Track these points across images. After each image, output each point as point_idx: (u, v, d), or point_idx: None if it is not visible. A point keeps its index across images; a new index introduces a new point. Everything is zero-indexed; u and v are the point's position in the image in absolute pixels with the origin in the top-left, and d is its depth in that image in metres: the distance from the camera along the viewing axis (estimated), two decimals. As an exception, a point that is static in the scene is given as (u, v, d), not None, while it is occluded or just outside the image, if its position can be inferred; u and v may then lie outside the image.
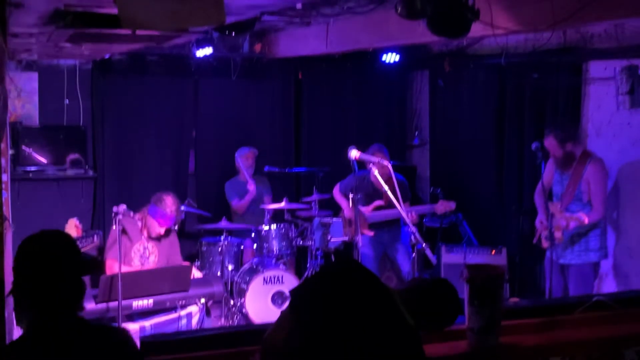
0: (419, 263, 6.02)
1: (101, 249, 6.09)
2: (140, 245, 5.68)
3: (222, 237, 6.58)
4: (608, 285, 6.40)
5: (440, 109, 8.60)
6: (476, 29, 4.14)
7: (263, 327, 2.66)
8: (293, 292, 2.38)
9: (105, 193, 7.47)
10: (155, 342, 3.06)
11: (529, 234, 6.16)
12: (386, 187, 5.27)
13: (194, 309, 5.29)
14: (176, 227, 6.36)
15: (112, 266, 5.34)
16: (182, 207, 6.75)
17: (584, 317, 3.43)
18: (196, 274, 5.80)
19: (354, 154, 5.39)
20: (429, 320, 2.53)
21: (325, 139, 8.35)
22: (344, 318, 2.24)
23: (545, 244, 5.75)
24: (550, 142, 5.58)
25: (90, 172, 7.40)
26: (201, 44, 6.45)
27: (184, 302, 5.23)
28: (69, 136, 7.36)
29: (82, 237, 5.86)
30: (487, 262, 6.55)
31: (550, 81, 6.92)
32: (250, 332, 3.12)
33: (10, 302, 4.03)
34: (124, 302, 4.81)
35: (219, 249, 6.60)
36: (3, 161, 3.83)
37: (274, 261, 6.74)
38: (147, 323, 5.01)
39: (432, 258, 4.76)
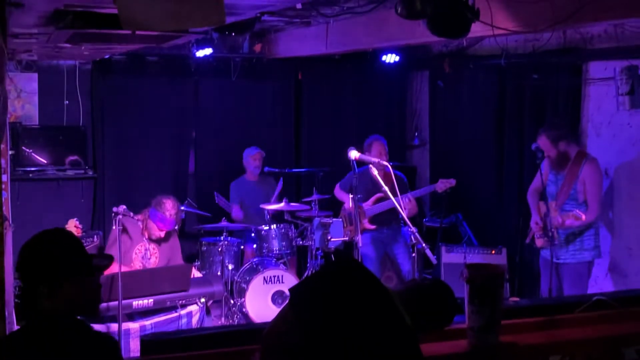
0: (419, 263, 6.03)
1: (101, 249, 6.10)
2: (141, 247, 5.68)
3: (222, 237, 6.59)
4: (608, 285, 6.40)
5: (440, 110, 8.60)
6: (476, 30, 4.14)
7: (263, 326, 2.67)
8: (293, 290, 2.39)
9: (105, 193, 7.47)
10: (155, 341, 3.06)
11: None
12: (386, 188, 5.28)
13: (194, 308, 5.30)
14: (177, 228, 6.37)
15: (113, 266, 5.33)
16: (182, 207, 6.76)
17: (584, 316, 3.43)
18: (196, 274, 5.81)
19: (353, 154, 5.40)
20: (426, 321, 2.54)
21: (325, 139, 8.36)
22: (342, 316, 2.25)
23: (538, 243, 5.76)
24: (543, 142, 5.58)
25: (90, 173, 7.41)
26: (201, 45, 6.45)
27: (184, 301, 5.23)
28: (68, 137, 7.37)
29: (82, 237, 5.87)
30: (487, 262, 6.55)
31: (550, 82, 6.92)
32: (250, 331, 3.12)
33: (10, 301, 4.03)
34: (125, 302, 4.82)
35: (219, 248, 6.60)
36: (3, 162, 3.84)
37: (274, 261, 6.74)
38: (148, 322, 5.01)
39: (432, 258, 4.76)
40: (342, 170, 6.79)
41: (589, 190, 5.51)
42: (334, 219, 6.84)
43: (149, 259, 5.69)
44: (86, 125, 7.42)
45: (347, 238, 6.64)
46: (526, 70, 7.05)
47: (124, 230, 5.59)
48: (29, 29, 4.80)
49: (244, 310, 6.42)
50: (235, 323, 6.40)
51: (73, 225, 5.95)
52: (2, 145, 3.87)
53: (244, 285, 6.49)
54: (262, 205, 7.05)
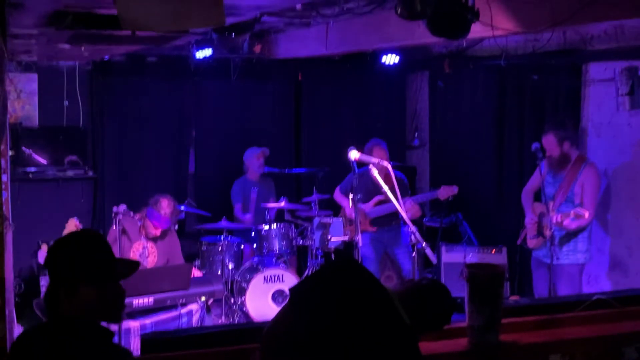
0: (419, 262, 6.03)
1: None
2: (139, 245, 5.69)
3: (222, 237, 6.59)
4: (608, 284, 6.41)
5: (440, 110, 8.60)
6: (476, 30, 4.15)
7: (263, 325, 2.67)
8: (293, 289, 2.40)
9: (105, 193, 7.48)
10: (155, 340, 3.07)
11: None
12: (386, 188, 5.28)
13: (194, 307, 5.31)
14: (176, 227, 6.38)
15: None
16: (182, 207, 6.77)
17: (584, 315, 3.44)
18: (196, 273, 5.81)
19: (353, 154, 5.40)
20: (424, 321, 2.55)
21: (325, 139, 8.36)
22: (342, 316, 2.25)
23: (531, 244, 5.77)
24: (549, 140, 5.59)
25: (90, 173, 7.41)
26: (201, 45, 6.45)
27: (184, 300, 5.24)
28: (68, 137, 7.37)
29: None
30: (487, 261, 6.56)
31: (550, 82, 6.93)
32: (250, 330, 3.13)
33: (10, 301, 4.04)
34: (125, 300, 4.81)
35: (219, 248, 6.61)
36: (3, 162, 3.84)
37: (274, 260, 6.75)
38: (148, 321, 5.02)
39: (433, 257, 4.76)
40: (342, 170, 6.79)
41: (586, 194, 5.53)
42: (334, 219, 6.84)
43: (147, 257, 5.70)
44: (86, 126, 7.42)
45: (347, 238, 6.65)
46: (526, 71, 7.06)
47: (123, 231, 5.60)
48: (29, 29, 4.81)
49: (244, 309, 6.43)
50: (236, 322, 6.40)
51: (73, 225, 5.96)
52: (2, 146, 3.88)
53: (244, 285, 6.49)
54: (262, 205, 7.06)
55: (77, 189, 7.42)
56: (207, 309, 5.68)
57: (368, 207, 6.55)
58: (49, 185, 7.28)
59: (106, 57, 7.17)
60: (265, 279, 6.44)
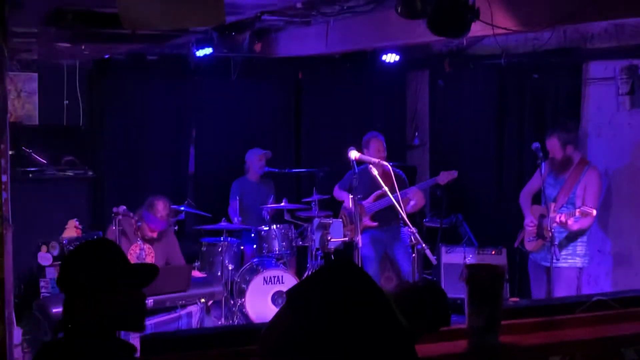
0: (419, 263, 6.02)
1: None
2: (136, 247, 5.68)
3: (222, 238, 6.58)
4: (608, 285, 6.41)
5: (440, 109, 8.59)
6: (476, 29, 4.15)
7: (263, 327, 2.67)
8: (290, 292, 2.40)
9: (105, 193, 7.46)
10: (155, 341, 3.06)
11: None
12: (385, 188, 5.28)
13: (194, 308, 5.30)
14: (176, 228, 6.37)
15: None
16: (182, 208, 6.76)
17: (584, 316, 3.44)
18: (196, 275, 5.80)
19: (353, 154, 5.41)
20: (421, 323, 2.55)
21: (325, 139, 8.34)
22: (339, 318, 2.26)
23: (529, 246, 5.76)
24: (552, 143, 5.59)
25: (90, 173, 7.39)
26: (201, 44, 6.45)
27: (184, 301, 5.23)
28: (68, 136, 7.36)
29: (81, 237, 5.87)
30: (487, 262, 6.55)
31: (550, 81, 6.92)
32: (250, 332, 3.13)
33: (10, 301, 4.03)
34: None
35: (219, 249, 6.60)
36: (3, 162, 3.83)
37: (274, 261, 6.74)
38: (148, 322, 5.01)
39: (432, 258, 4.76)
40: (342, 170, 6.79)
41: (588, 196, 5.52)
42: (334, 219, 6.83)
43: (144, 259, 5.69)
44: (86, 125, 7.41)
45: (347, 238, 6.64)
46: (526, 69, 7.05)
47: (122, 232, 5.59)
48: (29, 28, 4.81)
49: (243, 310, 6.42)
50: (235, 323, 6.40)
51: (73, 226, 5.96)
52: (2, 146, 3.87)
53: (243, 286, 6.48)
54: (262, 206, 7.05)
55: (76, 188, 7.41)
56: (207, 310, 5.66)
57: (367, 202, 6.55)
58: (48, 185, 7.26)
59: (106, 56, 7.17)
60: (265, 280, 6.43)
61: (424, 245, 4.76)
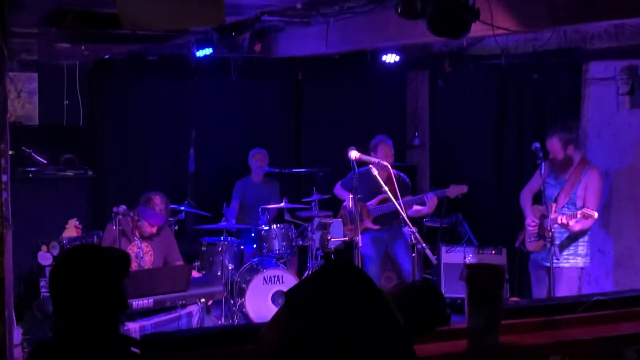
0: (419, 263, 6.03)
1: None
2: (133, 246, 5.68)
3: (222, 237, 6.58)
4: (608, 285, 6.41)
5: (440, 109, 8.60)
6: (476, 29, 4.15)
7: (263, 327, 2.67)
8: (288, 292, 2.41)
9: (104, 193, 7.47)
10: (155, 341, 3.06)
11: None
12: (386, 188, 5.29)
13: (194, 308, 5.30)
14: (176, 227, 6.37)
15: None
16: (182, 208, 6.76)
17: (584, 316, 3.43)
18: (195, 274, 5.80)
19: (354, 154, 5.41)
20: (418, 323, 2.56)
21: (325, 139, 8.35)
22: (338, 318, 2.26)
23: (530, 247, 5.75)
24: (553, 143, 5.58)
25: (90, 172, 7.40)
26: (201, 44, 6.45)
27: (184, 301, 5.23)
28: (68, 136, 7.36)
29: (81, 237, 5.87)
30: (487, 262, 6.55)
31: (551, 82, 6.93)
32: (250, 331, 3.12)
33: (10, 301, 4.03)
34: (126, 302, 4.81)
35: (219, 249, 6.60)
36: (3, 162, 3.83)
37: (274, 261, 6.74)
38: (148, 322, 5.01)
39: (432, 258, 4.77)
40: (342, 171, 6.79)
41: (589, 196, 5.51)
42: (334, 219, 6.84)
43: (142, 257, 5.68)
44: (86, 125, 7.41)
45: (347, 238, 6.64)
46: (526, 70, 7.05)
47: (122, 231, 5.59)
48: (29, 28, 4.81)
49: (243, 310, 6.42)
50: (235, 323, 6.40)
51: (73, 226, 5.96)
52: (2, 145, 3.87)
53: (243, 285, 6.48)
54: (262, 206, 7.05)
55: (76, 188, 7.40)
56: (207, 310, 5.67)
57: (371, 204, 6.56)
58: (48, 185, 7.26)
59: (106, 56, 7.17)
60: (265, 280, 6.43)
61: (424, 244, 4.76)
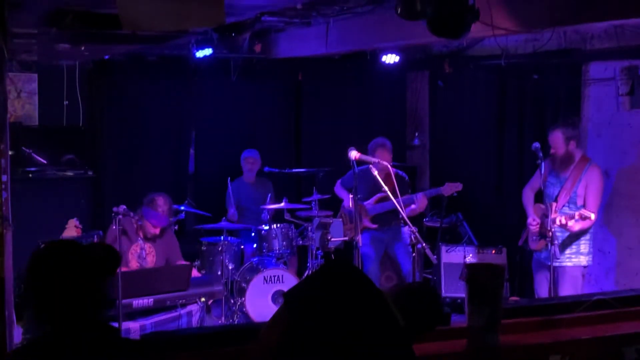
0: (419, 263, 6.03)
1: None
2: (136, 247, 5.69)
3: (222, 237, 6.59)
4: (608, 284, 6.41)
5: (440, 110, 8.60)
6: (476, 30, 4.15)
7: (262, 326, 2.68)
8: (287, 294, 2.41)
9: (105, 193, 7.47)
10: (155, 341, 3.07)
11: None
12: (386, 188, 5.29)
13: (194, 307, 5.30)
14: (176, 227, 6.37)
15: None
16: (182, 207, 6.76)
17: (584, 315, 3.44)
18: (195, 274, 5.80)
19: (353, 154, 5.41)
20: (415, 322, 2.56)
21: (325, 139, 8.35)
22: (337, 318, 2.27)
23: (533, 245, 5.74)
24: (555, 137, 5.55)
25: (90, 173, 7.39)
26: (201, 45, 6.45)
27: (184, 300, 5.24)
28: (68, 137, 7.36)
29: (82, 237, 5.87)
30: (487, 262, 6.55)
31: (550, 82, 6.93)
32: (250, 331, 3.12)
33: (10, 301, 4.03)
34: (125, 301, 4.82)
35: (219, 248, 6.60)
36: (3, 162, 3.84)
37: (274, 260, 6.74)
38: (148, 322, 5.02)
39: (433, 258, 4.77)
40: (342, 170, 6.80)
41: (589, 196, 5.49)
42: (334, 219, 6.84)
43: (145, 258, 5.69)
44: (86, 126, 7.41)
45: (347, 238, 6.64)
46: (526, 70, 7.05)
47: (123, 231, 5.60)
48: (29, 29, 4.81)
49: (244, 309, 6.42)
50: (235, 322, 6.40)
51: (73, 226, 5.95)
52: (2, 146, 3.87)
53: (244, 285, 6.49)
54: (262, 206, 7.05)
55: (76, 188, 7.40)
56: (207, 309, 5.67)
57: (369, 204, 6.56)
58: (48, 185, 7.26)
59: (106, 57, 7.17)
60: (265, 280, 6.43)
61: (424, 244, 4.76)
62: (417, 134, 8.84)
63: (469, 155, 8.02)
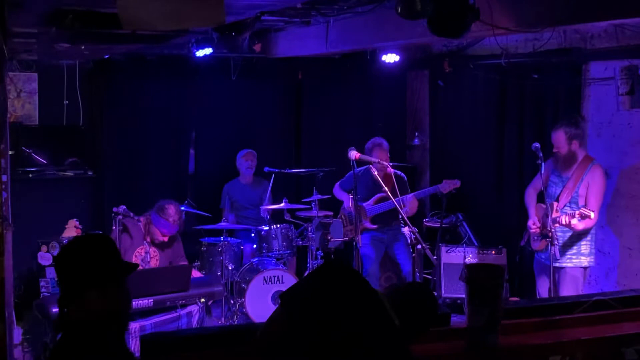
0: (419, 263, 6.03)
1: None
2: (142, 250, 5.69)
3: (222, 238, 6.59)
4: (608, 285, 6.41)
5: (440, 110, 8.60)
6: (476, 29, 4.15)
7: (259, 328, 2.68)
8: (283, 295, 2.42)
9: (104, 193, 7.47)
10: (155, 341, 3.07)
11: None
12: (386, 188, 5.29)
13: (194, 308, 5.30)
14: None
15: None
16: (182, 207, 6.76)
17: (584, 316, 3.43)
18: (195, 274, 5.80)
19: (354, 154, 5.42)
20: (411, 322, 2.57)
21: (325, 139, 8.35)
22: (333, 319, 2.27)
23: (535, 245, 5.74)
24: (558, 136, 5.54)
25: (90, 173, 7.39)
26: (201, 44, 6.45)
27: (184, 301, 5.24)
28: (68, 136, 7.36)
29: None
30: (487, 262, 6.54)
31: (550, 81, 6.92)
32: (250, 331, 3.12)
33: (10, 301, 4.03)
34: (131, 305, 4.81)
35: (219, 249, 6.60)
36: (3, 162, 3.84)
37: (274, 261, 6.74)
38: (148, 322, 5.01)
39: (433, 258, 4.77)
40: (342, 171, 6.79)
41: (591, 196, 5.47)
42: (334, 219, 6.84)
43: (149, 262, 5.70)
44: (86, 125, 7.41)
45: (347, 238, 6.64)
46: (526, 70, 7.05)
47: (125, 230, 5.60)
48: (29, 28, 4.80)
49: (243, 310, 6.42)
50: (235, 323, 6.40)
51: (73, 226, 5.96)
52: (2, 146, 3.87)
53: (243, 285, 6.48)
54: (262, 207, 7.05)
55: (76, 188, 7.40)
56: (207, 310, 5.66)
57: (368, 204, 6.55)
58: (48, 185, 7.26)
59: (106, 56, 7.17)
60: (264, 280, 6.43)
61: (424, 244, 4.77)
62: (417, 134, 8.83)
63: (468, 155, 8.02)
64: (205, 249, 6.81)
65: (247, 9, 4.72)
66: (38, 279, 6.53)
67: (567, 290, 5.52)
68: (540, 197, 5.78)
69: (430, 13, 3.93)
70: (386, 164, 5.73)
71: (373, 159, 5.65)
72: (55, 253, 6.19)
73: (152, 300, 5.05)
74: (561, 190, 5.59)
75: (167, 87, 7.77)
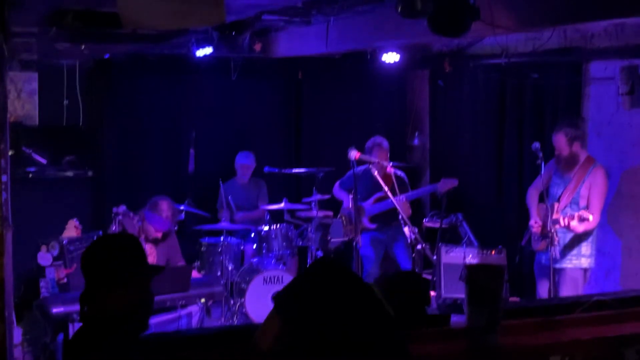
0: (419, 263, 6.02)
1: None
2: (137, 247, 5.68)
3: (222, 238, 6.58)
4: (608, 285, 6.40)
5: (440, 109, 8.59)
6: (476, 29, 4.15)
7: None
8: (275, 297, 2.42)
9: (105, 193, 7.47)
10: (155, 342, 3.06)
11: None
12: (386, 188, 5.29)
13: (194, 308, 5.30)
14: (176, 228, 6.37)
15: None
16: (182, 207, 6.76)
17: (584, 316, 3.43)
18: (195, 275, 5.80)
19: (354, 154, 5.42)
20: (405, 308, 2.57)
21: (325, 139, 8.35)
22: (327, 316, 2.28)
23: (535, 246, 5.73)
24: (559, 139, 5.53)
25: (90, 173, 7.39)
26: (201, 44, 6.45)
27: (184, 301, 5.23)
28: (68, 136, 7.36)
29: (82, 237, 5.87)
30: (487, 262, 6.53)
31: (551, 81, 6.92)
32: (250, 331, 3.11)
33: (10, 302, 4.02)
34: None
35: (219, 249, 6.60)
36: (3, 162, 3.83)
37: (273, 261, 6.74)
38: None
39: (433, 258, 4.77)
40: (342, 171, 6.79)
41: (593, 197, 5.46)
42: (334, 219, 6.83)
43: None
44: (86, 125, 7.41)
45: (346, 238, 6.64)
46: (526, 69, 7.04)
47: (122, 229, 5.59)
48: (29, 28, 4.81)
49: (243, 310, 6.42)
50: (235, 323, 6.40)
51: (73, 226, 5.95)
52: (2, 145, 3.87)
53: (243, 286, 6.48)
54: (262, 207, 7.05)
55: (76, 188, 7.40)
56: (207, 310, 5.66)
57: (368, 204, 6.55)
58: (48, 185, 7.26)
59: (106, 56, 7.17)
60: (264, 280, 6.43)
61: (423, 244, 4.76)
62: (417, 134, 8.83)
63: (468, 155, 8.02)
64: (205, 249, 6.80)
65: (247, 8, 4.73)
66: (38, 279, 6.52)
67: (567, 291, 5.51)
68: (541, 198, 5.78)
69: (431, 12, 3.94)
70: (386, 164, 5.73)
71: (373, 159, 5.65)
72: (55, 253, 6.18)
73: (151, 300, 5.04)
74: (562, 191, 5.59)
75: (167, 87, 7.78)
